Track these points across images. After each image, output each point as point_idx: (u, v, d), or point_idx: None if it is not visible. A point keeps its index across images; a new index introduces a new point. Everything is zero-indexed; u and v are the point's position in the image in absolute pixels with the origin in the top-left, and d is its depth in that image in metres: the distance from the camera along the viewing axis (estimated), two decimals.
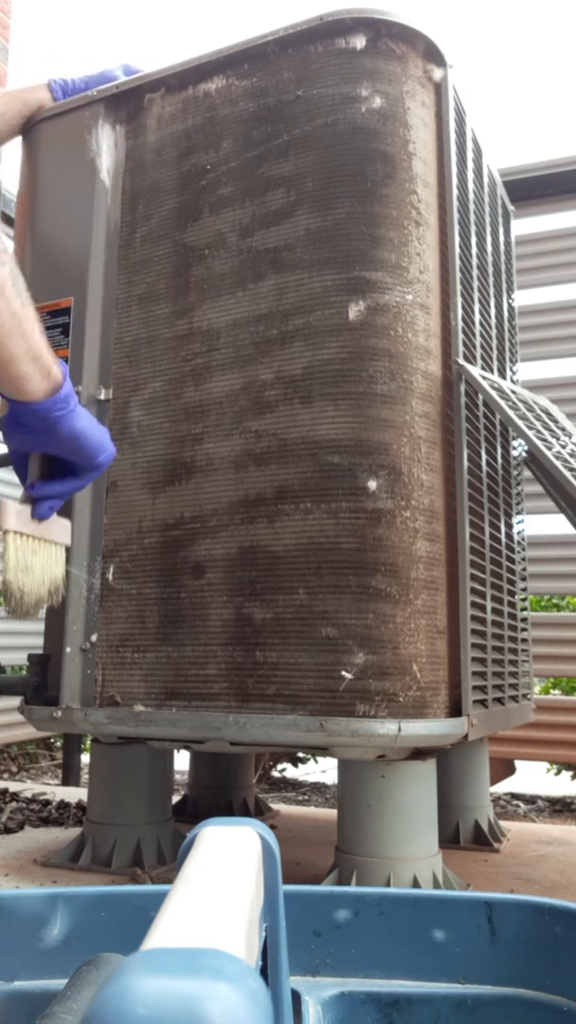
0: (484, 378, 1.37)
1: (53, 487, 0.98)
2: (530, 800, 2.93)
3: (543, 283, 2.79)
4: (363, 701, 1.17)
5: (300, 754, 3.11)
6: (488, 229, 1.70)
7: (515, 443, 1.76)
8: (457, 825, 1.68)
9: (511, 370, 1.86)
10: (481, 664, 1.35)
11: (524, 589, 1.81)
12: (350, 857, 1.25)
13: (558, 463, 1.29)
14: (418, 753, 1.26)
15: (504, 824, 1.87)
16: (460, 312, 1.38)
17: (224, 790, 1.90)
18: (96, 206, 1.51)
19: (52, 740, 3.55)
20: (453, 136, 1.42)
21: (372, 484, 1.22)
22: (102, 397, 1.45)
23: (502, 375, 1.73)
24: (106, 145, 1.53)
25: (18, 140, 1.65)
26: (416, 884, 1.21)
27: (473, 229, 1.53)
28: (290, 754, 3.11)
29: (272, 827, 1.80)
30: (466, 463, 1.32)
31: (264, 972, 0.46)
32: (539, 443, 1.30)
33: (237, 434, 1.32)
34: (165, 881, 1.34)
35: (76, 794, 2.21)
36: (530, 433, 1.32)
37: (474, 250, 1.53)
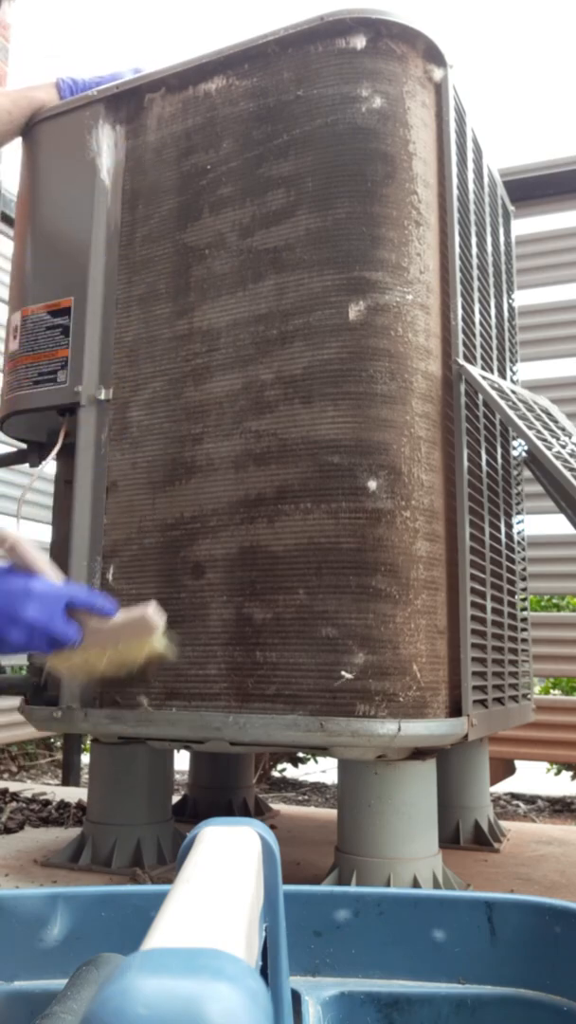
0: (484, 378, 1.37)
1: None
2: (530, 800, 2.93)
3: (543, 283, 2.79)
4: (363, 701, 1.17)
5: (300, 754, 3.11)
6: (488, 229, 1.70)
7: (515, 443, 1.76)
8: (457, 825, 1.68)
9: (511, 370, 1.86)
10: (481, 664, 1.35)
11: (524, 589, 1.81)
12: (350, 857, 1.25)
13: (558, 463, 1.29)
14: (418, 753, 1.26)
15: (504, 824, 1.87)
16: (460, 312, 1.38)
17: (224, 790, 1.90)
18: (96, 206, 1.51)
19: (52, 740, 3.54)
20: (453, 136, 1.42)
21: (372, 484, 1.22)
22: (102, 397, 1.45)
23: (502, 375, 1.73)
24: (106, 145, 1.53)
25: (18, 140, 1.65)
26: (416, 884, 1.21)
27: (473, 229, 1.53)
28: (290, 754, 3.11)
29: (272, 827, 1.80)
30: (466, 463, 1.32)
31: (264, 972, 0.46)
32: (539, 443, 1.30)
33: (237, 434, 1.32)
34: (165, 881, 1.34)
35: (76, 794, 2.21)
36: (530, 433, 1.32)
37: (474, 250, 1.53)
